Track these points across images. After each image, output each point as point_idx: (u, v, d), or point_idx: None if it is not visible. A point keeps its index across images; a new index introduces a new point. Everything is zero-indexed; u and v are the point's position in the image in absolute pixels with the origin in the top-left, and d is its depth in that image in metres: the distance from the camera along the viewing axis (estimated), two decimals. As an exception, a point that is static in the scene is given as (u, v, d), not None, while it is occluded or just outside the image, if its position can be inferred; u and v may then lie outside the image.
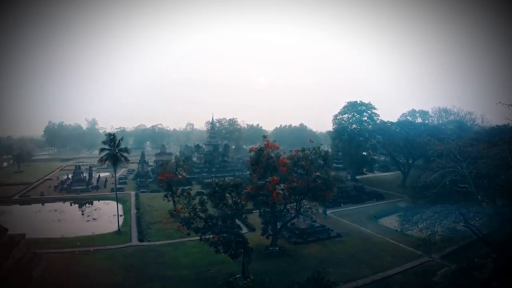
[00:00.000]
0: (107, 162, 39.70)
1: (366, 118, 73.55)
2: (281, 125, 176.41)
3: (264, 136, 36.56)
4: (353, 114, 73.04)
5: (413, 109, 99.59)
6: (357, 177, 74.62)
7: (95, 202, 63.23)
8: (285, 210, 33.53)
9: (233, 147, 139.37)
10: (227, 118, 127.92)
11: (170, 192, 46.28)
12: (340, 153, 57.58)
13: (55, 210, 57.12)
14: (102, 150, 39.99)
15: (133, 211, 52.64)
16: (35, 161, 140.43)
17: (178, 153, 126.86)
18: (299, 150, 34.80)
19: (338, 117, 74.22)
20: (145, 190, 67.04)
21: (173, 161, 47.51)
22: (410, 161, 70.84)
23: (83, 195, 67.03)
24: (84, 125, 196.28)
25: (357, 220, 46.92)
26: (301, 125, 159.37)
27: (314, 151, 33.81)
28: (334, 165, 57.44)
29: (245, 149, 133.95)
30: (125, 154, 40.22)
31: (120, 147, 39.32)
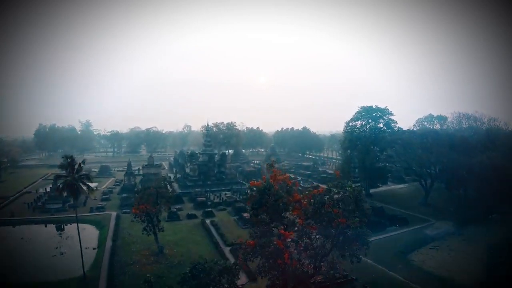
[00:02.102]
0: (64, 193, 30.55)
1: (382, 125, 64.43)
2: (282, 128, 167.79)
3: (271, 165, 27.46)
4: (368, 120, 63.92)
5: (430, 114, 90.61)
6: (371, 190, 65.76)
7: (69, 226, 54.31)
8: (299, 271, 24.27)
9: (231, 151, 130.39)
10: (225, 122, 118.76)
11: (150, 225, 37.13)
12: (357, 170, 48.41)
13: (22, 238, 48.44)
14: (57, 177, 30.98)
15: (109, 243, 43.61)
16: (21, 168, 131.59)
17: (173, 159, 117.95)
18: (322, 190, 25.41)
19: (350, 124, 65.08)
20: (128, 211, 57.76)
21: (153, 189, 38.04)
22: (433, 174, 61.69)
23: (58, 216, 58.10)
24: (78, 127, 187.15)
25: (382, 259, 37.87)
26: (304, 128, 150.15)
27: (341, 188, 24.67)
28: (350, 182, 48.47)
29: (244, 155, 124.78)
30: (89, 183, 31.13)
31: (81, 173, 30.27)
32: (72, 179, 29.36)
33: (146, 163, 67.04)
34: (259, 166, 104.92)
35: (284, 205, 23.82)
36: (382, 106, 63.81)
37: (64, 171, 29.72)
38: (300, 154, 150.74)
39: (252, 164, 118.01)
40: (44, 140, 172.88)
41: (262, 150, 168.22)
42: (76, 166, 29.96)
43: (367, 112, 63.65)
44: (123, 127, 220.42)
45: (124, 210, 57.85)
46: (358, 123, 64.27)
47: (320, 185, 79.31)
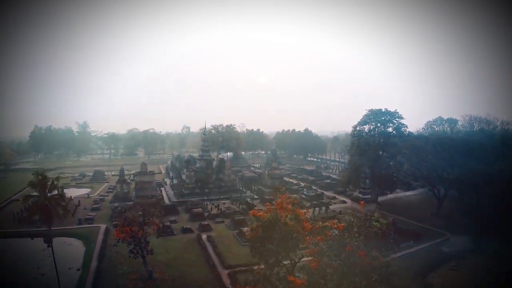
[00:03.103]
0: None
1: (391, 130, 60.28)
2: (283, 130, 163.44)
3: (278, 190, 23.24)
4: (376, 124, 59.74)
5: (439, 117, 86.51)
6: (379, 198, 61.63)
7: (56, 240, 49.94)
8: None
9: (230, 153, 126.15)
10: (224, 125, 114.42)
11: (138, 248, 32.91)
12: (367, 180, 44.26)
13: (3, 255, 44.39)
14: (26, 198, 26.82)
15: (94, 263, 39.47)
16: (14, 171, 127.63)
17: (170, 163, 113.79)
18: (341, 227, 20.78)
19: (357, 129, 60.90)
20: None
21: (140, 207, 33.79)
22: (447, 183, 57.48)
23: (43, 229, 53.91)
24: (75, 129, 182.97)
25: (400, 283, 33.72)
26: (306, 130, 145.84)
27: (365, 219, 20.37)
28: (360, 195, 44.36)
29: (244, 158, 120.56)
30: (64, 203, 26.93)
31: (54, 192, 26.10)
32: (43, 199, 25.18)
33: (139, 170, 62.74)
34: (260, 171, 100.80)
35: (294, 242, 19.60)
36: (382, 107, 59.89)
37: (34, 190, 25.53)
38: (302, 157, 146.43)
39: (252, 168, 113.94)
40: (39, 142, 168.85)
41: (263, 152, 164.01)
42: (49, 184, 25.74)
43: (376, 116, 59.50)
44: (122, 128, 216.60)
45: (114, 223, 53.50)
46: (366, 127, 60.14)
47: (325, 192, 75.53)
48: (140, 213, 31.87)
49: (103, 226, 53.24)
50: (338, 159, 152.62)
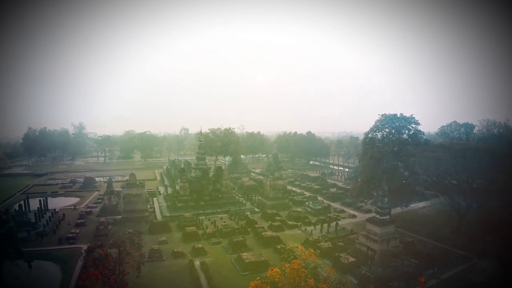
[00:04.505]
0: None
1: (406, 136, 54.50)
2: (285, 132, 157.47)
3: (290, 251, 17.94)
4: (390, 131, 53.93)
5: (454, 121, 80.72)
6: (392, 212, 55.97)
7: (34, 263, 44.11)
8: None
9: (229, 157, 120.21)
10: (222, 128, 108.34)
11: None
12: (386, 199, 38.40)
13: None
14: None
15: (68, 297, 33.82)
16: (4, 177, 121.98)
17: (165, 168, 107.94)
18: None
19: (369, 135, 55.09)
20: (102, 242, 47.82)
21: (115, 245, 27.91)
22: (470, 197, 51.61)
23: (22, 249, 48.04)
24: (71, 131, 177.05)
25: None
26: (308, 132, 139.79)
27: None
28: (378, 216, 38.51)
29: (244, 164, 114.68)
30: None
31: (10, 224, 20.34)
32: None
33: (127, 182, 56.86)
34: (261, 177, 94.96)
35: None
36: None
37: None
38: (305, 161, 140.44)
39: (252, 174, 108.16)
40: (33, 145, 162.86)
41: (264, 155, 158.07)
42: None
43: (390, 121, 53.66)
44: (120, 130, 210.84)
45: (98, 243, 47.80)
46: (379, 134, 54.32)
47: (332, 204, 69.56)
48: (116, 249, 25.97)
49: (85, 247, 47.34)
50: (342, 163, 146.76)
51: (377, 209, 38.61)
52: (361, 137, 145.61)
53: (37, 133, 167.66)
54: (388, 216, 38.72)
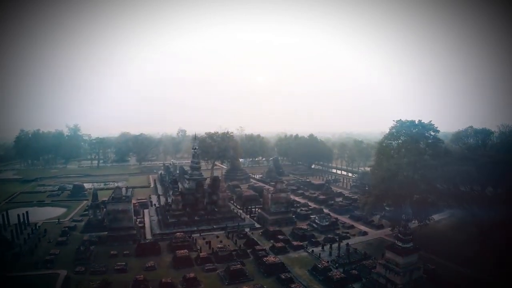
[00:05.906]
0: None
1: (423, 145, 48.88)
2: (285, 135, 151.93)
3: None
4: (406, 139, 48.31)
5: (470, 127, 75.15)
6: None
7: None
8: None
9: (228, 161, 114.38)
10: (220, 132, 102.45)
11: None
12: (409, 224, 32.73)
13: None
14: None
15: None
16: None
17: (160, 173, 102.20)
18: None
19: (383, 144, 49.46)
20: (83, 269, 42.00)
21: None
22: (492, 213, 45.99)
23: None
24: (66, 132, 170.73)
25: None
26: (311, 136, 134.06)
27: None
28: (399, 243, 32.84)
29: (243, 170, 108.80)
30: None
31: None
32: None
33: (112, 196, 51.02)
34: (261, 185, 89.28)
35: None
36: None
37: None
38: (306, 165, 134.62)
39: (252, 181, 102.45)
40: (25, 148, 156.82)
41: (264, 159, 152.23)
42: None
43: (406, 129, 48.04)
44: (116, 131, 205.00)
45: (77, 269, 42.09)
46: (395, 143, 48.71)
47: (339, 218, 63.66)
48: None
49: (62, 273, 41.58)
50: (346, 167, 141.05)
51: (399, 235, 32.94)
52: (363, 139, 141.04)
53: (30, 136, 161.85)
54: (411, 244, 33.04)
